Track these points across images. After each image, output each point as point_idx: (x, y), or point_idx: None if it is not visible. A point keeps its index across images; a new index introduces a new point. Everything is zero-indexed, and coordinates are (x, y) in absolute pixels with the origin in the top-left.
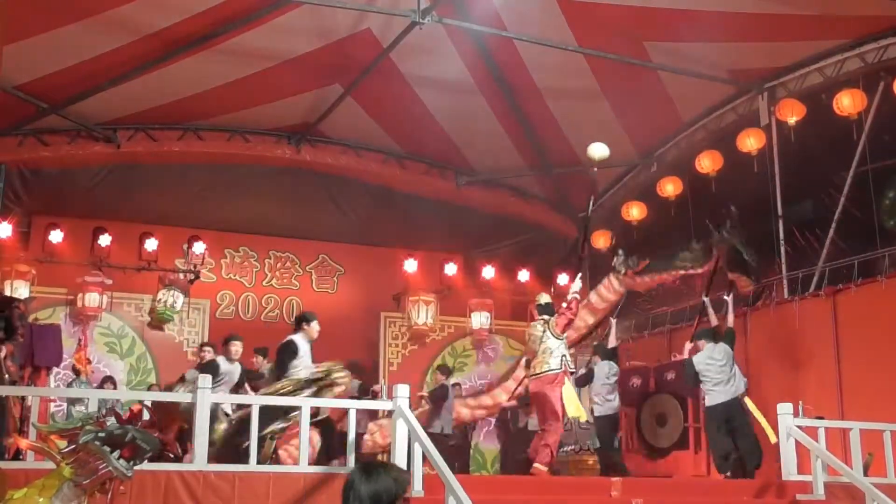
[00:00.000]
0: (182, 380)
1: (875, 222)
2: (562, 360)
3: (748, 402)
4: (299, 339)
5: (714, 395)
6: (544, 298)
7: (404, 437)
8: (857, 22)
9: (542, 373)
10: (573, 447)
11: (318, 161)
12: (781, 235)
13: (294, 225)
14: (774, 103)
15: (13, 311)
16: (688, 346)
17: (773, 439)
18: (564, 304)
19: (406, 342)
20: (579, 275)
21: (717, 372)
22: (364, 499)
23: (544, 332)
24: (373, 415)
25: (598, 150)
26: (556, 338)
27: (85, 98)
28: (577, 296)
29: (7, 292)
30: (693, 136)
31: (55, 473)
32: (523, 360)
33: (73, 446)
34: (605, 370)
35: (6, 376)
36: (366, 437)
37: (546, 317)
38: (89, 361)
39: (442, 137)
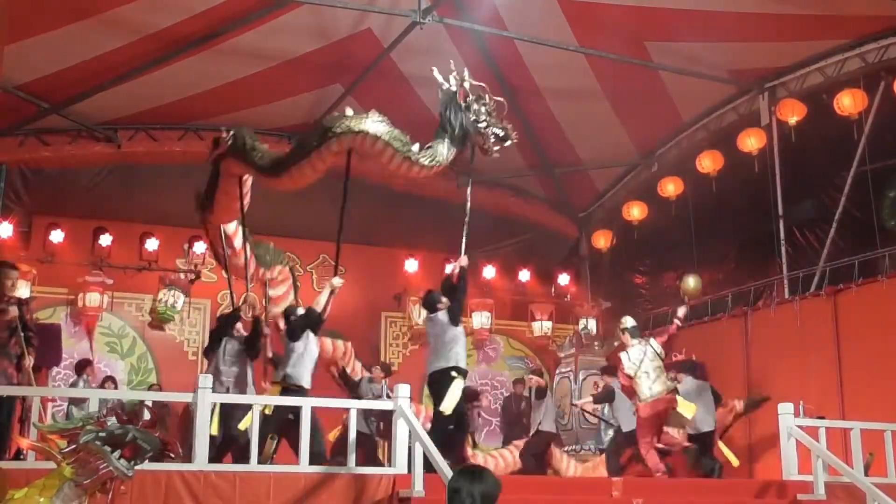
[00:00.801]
0: None
1: (875, 222)
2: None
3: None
4: None
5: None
6: (630, 322)
7: (405, 437)
8: (858, 22)
9: (661, 391)
10: (574, 447)
11: None
12: (782, 235)
13: (294, 225)
14: (775, 103)
15: (22, 311)
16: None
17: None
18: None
19: (407, 342)
20: (684, 307)
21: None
22: (477, 497)
23: (645, 352)
24: None
25: (693, 282)
26: (660, 356)
27: (85, 98)
28: (679, 322)
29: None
30: (693, 135)
31: (56, 473)
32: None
33: (74, 446)
34: None
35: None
36: None
37: (640, 339)
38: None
39: None
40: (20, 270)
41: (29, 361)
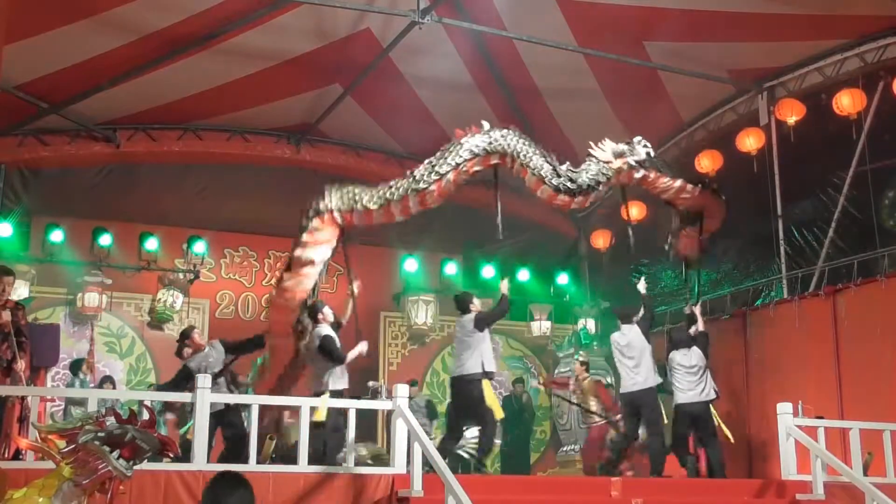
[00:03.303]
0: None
1: (874, 222)
2: None
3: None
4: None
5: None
6: None
7: (404, 437)
8: (857, 22)
9: None
10: (572, 447)
11: (318, 161)
12: (781, 235)
13: (294, 225)
14: (774, 103)
15: (17, 317)
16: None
17: (731, 439)
18: None
19: (406, 342)
20: None
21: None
22: None
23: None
24: None
25: None
26: None
27: (85, 98)
28: None
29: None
30: (693, 135)
31: (55, 473)
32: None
33: (73, 446)
34: None
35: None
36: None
37: None
38: (91, 370)
39: (442, 137)
40: (15, 275)
41: (20, 365)
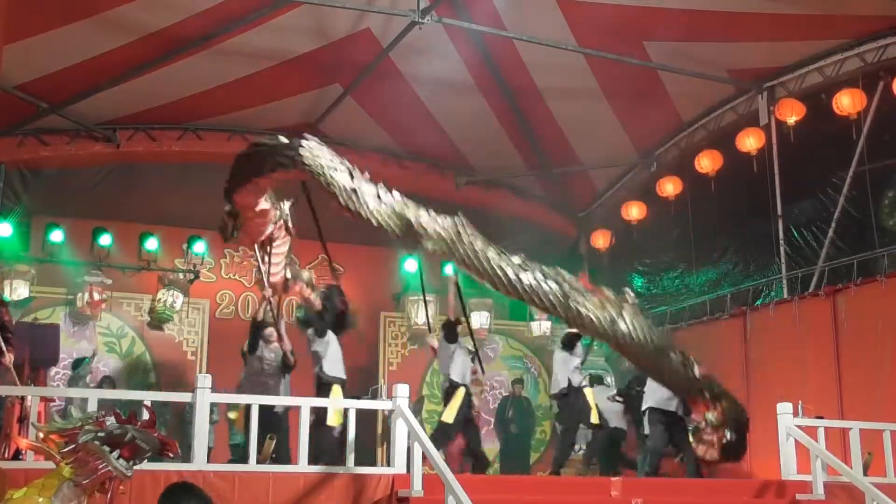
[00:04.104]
0: None
1: (874, 222)
2: None
3: None
4: None
5: None
6: None
7: (404, 437)
8: (857, 22)
9: None
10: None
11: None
12: (781, 235)
13: (294, 225)
14: (774, 103)
15: (0, 313)
16: None
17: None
18: None
19: (405, 342)
20: None
21: None
22: None
23: None
24: None
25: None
26: None
27: (85, 98)
28: None
29: (7, 292)
30: (693, 135)
31: (55, 473)
32: None
33: (73, 446)
34: None
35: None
36: None
37: None
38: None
39: (442, 137)
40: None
41: (8, 359)
